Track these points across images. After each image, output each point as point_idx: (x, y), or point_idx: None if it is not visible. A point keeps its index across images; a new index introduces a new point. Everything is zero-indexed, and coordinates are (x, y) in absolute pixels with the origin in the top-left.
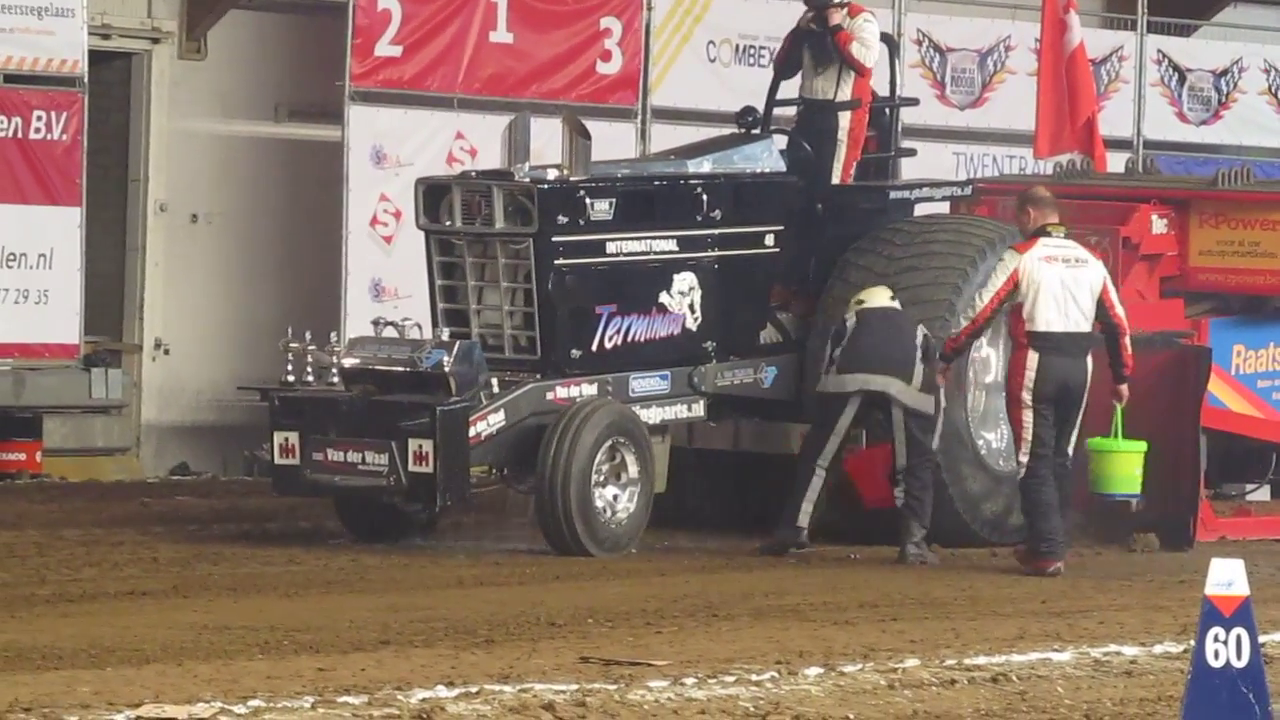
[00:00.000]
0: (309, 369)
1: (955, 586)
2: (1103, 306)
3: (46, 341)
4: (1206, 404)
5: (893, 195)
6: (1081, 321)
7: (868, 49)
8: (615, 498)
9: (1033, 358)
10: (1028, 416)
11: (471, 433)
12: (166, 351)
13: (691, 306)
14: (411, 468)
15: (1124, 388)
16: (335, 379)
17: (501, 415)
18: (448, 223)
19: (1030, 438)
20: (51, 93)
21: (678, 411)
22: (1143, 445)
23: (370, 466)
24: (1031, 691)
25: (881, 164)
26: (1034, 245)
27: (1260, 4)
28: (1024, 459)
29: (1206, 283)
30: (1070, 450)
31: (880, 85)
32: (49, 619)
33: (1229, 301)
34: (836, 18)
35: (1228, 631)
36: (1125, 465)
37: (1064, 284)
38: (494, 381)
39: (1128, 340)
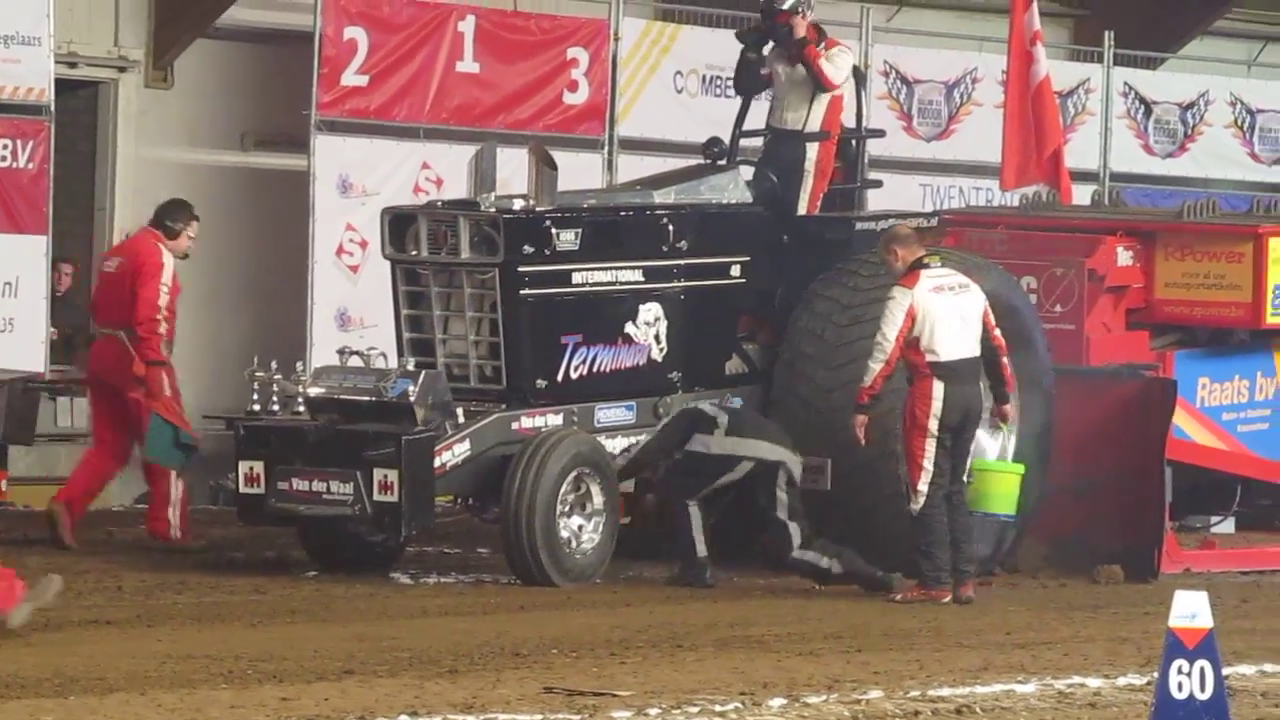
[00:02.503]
0: (275, 398)
1: (920, 618)
2: (984, 329)
3: (12, 369)
4: (1171, 436)
5: (859, 226)
6: (975, 347)
7: (838, 69)
8: (580, 528)
9: (938, 387)
10: (930, 445)
11: (437, 462)
12: None
13: (657, 337)
14: (377, 497)
15: (1008, 407)
16: (301, 408)
17: (467, 445)
18: (413, 252)
19: (931, 467)
20: (18, 121)
21: (643, 442)
22: (1020, 467)
23: (335, 496)
24: None
25: (848, 195)
26: (919, 278)
27: (1227, 37)
28: (922, 488)
29: (1172, 315)
30: (964, 476)
31: (847, 117)
32: (12, 648)
33: (1194, 334)
34: (801, 29)
35: (1191, 664)
36: (1002, 485)
37: (955, 311)
38: (459, 411)
39: (1007, 360)
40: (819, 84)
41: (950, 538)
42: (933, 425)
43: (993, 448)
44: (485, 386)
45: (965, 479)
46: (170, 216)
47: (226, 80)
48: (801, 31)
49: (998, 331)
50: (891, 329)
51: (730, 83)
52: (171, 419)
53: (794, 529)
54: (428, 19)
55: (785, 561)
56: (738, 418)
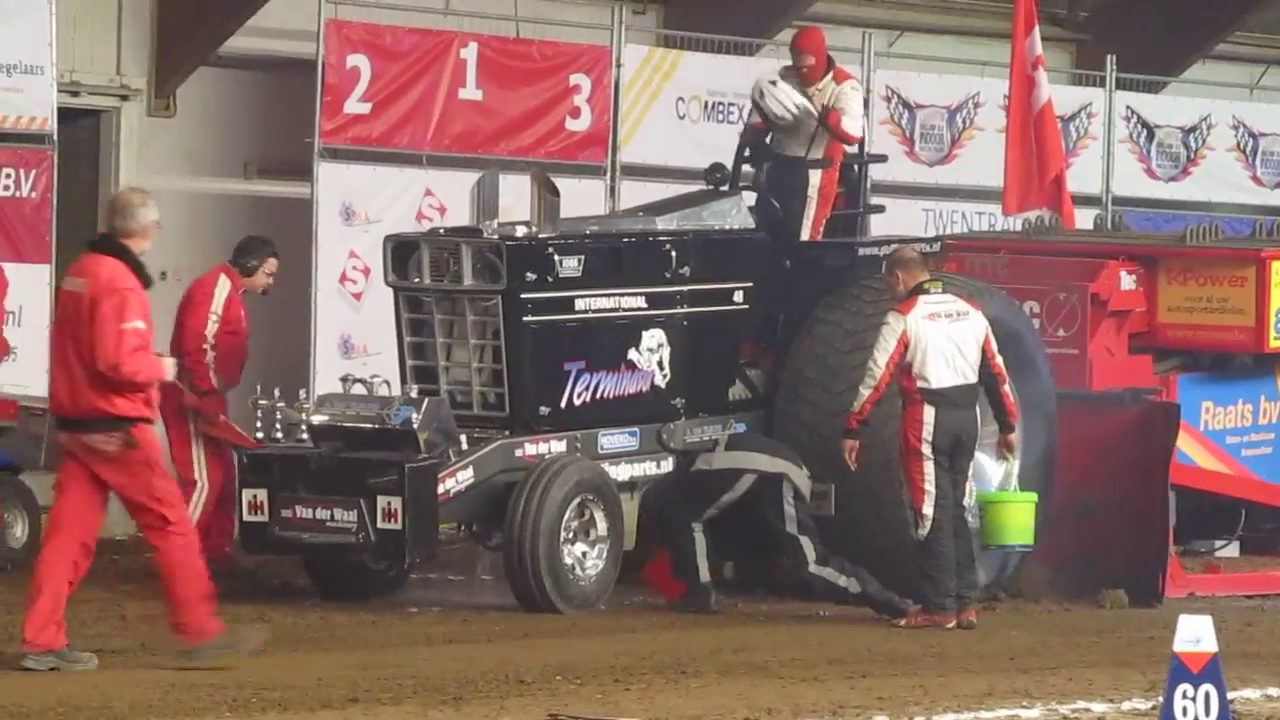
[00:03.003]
0: (278, 426)
1: (923, 643)
2: (984, 356)
3: (16, 397)
4: (1175, 460)
5: (861, 252)
6: (969, 373)
7: (854, 120)
8: (584, 554)
9: (929, 411)
10: (928, 467)
11: (440, 490)
12: None
13: (660, 363)
14: (380, 525)
15: (1012, 437)
16: (304, 436)
17: (470, 472)
18: (416, 280)
19: (933, 489)
20: (21, 150)
21: (647, 468)
22: (1033, 496)
23: (339, 523)
24: None
25: (850, 220)
26: (915, 304)
27: (1229, 61)
28: (927, 511)
29: (1175, 339)
30: (965, 501)
31: None
32: (16, 677)
33: (1198, 358)
34: (821, 97)
35: (1196, 688)
36: (1018, 516)
37: (950, 339)
38: (463, 438)
39: (1008, 388)
40: (844, 142)
41: (957, 561)
42: (925, 449)
43: (996, 474)
44: (488, 413)
45: (967, 505)
46: (245, 254)
47: (229, 108)
48: (822, 99)
49: (999, 359)
50: (882, 355)
51: (733, 108)
52: (236, 439)
53: (807, 543)
54: (430, 46)
55: (802, 576)
56: (737, 435)
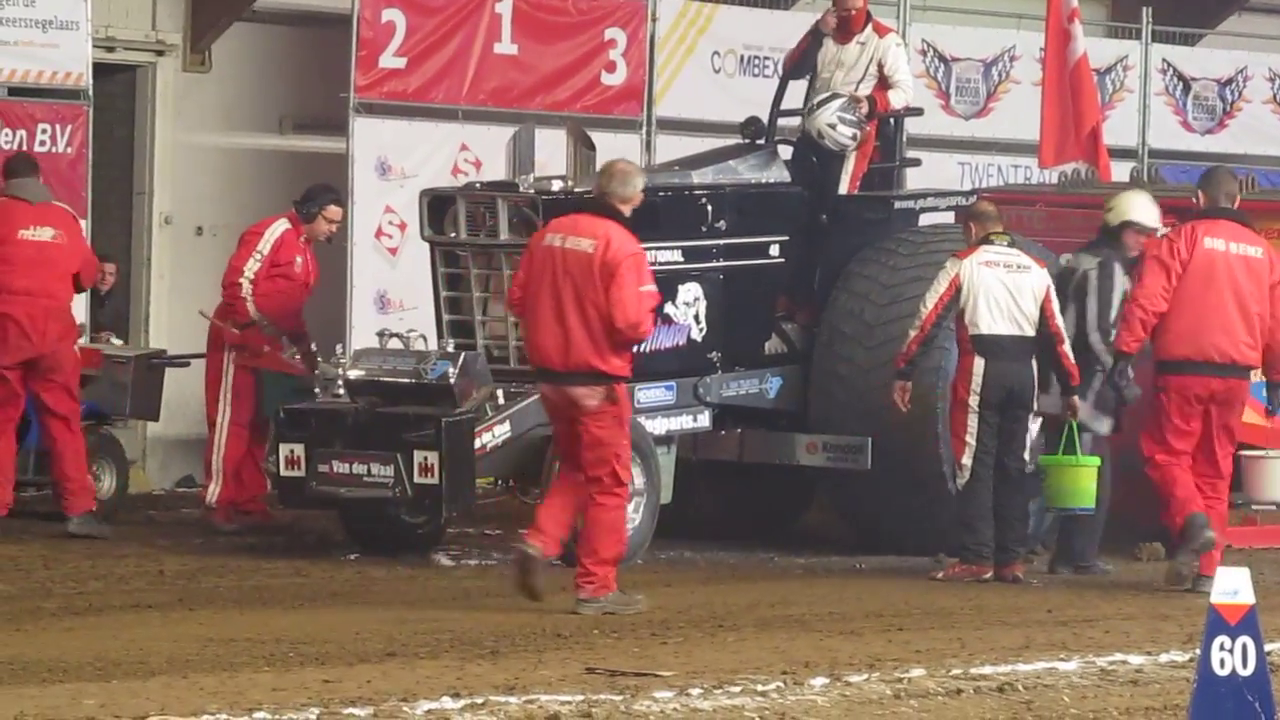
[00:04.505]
0: (315, 381)
1: (961, 596)
2: (1042, 314)
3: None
4: None
5: (897, 205)
6: (1025, 325)
7: (904, 88)
8: None
9: (978, 363)
10: (972, 421)
11: (477, 444)
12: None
13: (697, 317)
14: (417, 479)
15: (1074, 399)
16: (341, 391)
17: (507, 426)
18: (452, 234)
19: (974, 442)
20: (56, 105)
21: (683, 422)
22: (1096, 460)
23: (376, 478)
24: (1037, 701)
25: (886, 174)
26: (975, 252)
27: (1265, 13)
28: (965, 461)
29: None
30: (1027, 456)
31: None
32: (54, 632)
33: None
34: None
35: (1233, 640)
36: (1080, 480)
37: (1005, 286)
38: (499, 393)
39: (1068, 349)
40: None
41: (1003, 516)
42: (973, 401)
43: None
44: (524, 368)
45: (1029, 465)
46: (306, 200)
47: (264, 64)
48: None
49: (1059, 319)
50: (932, 297)
51: (768, 61)
52: (283, 368)
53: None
54: (465, 1)
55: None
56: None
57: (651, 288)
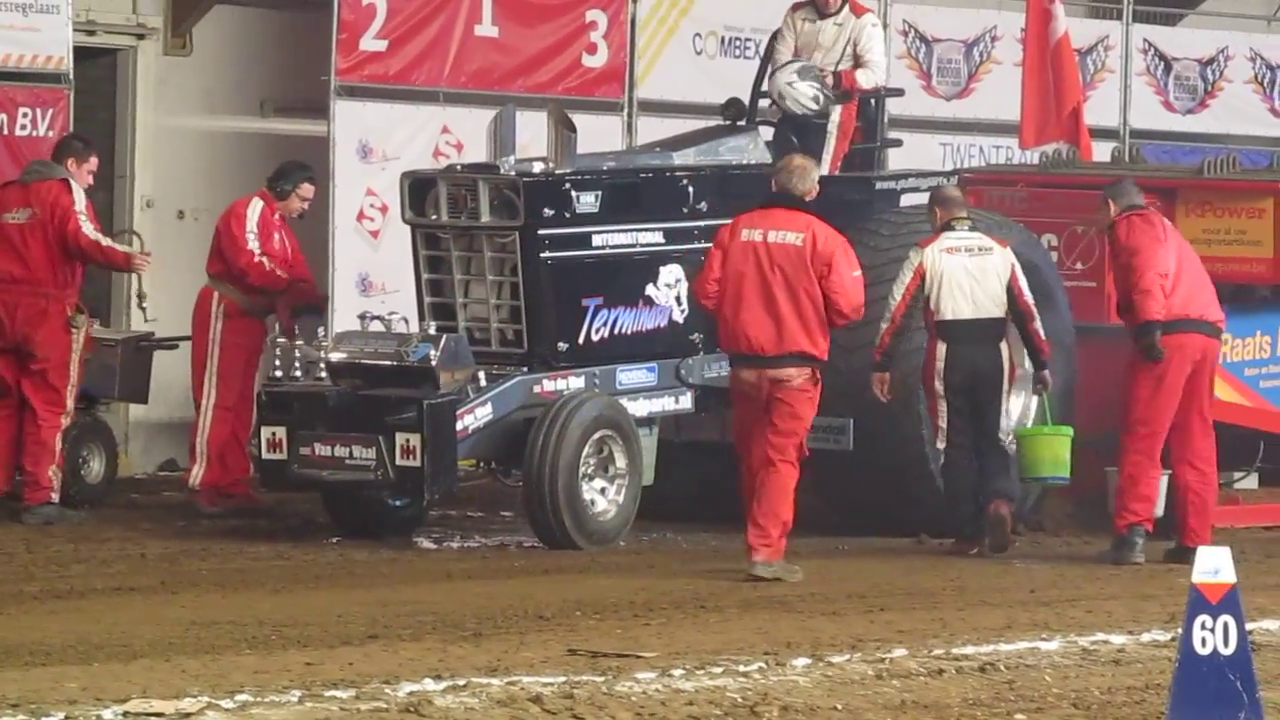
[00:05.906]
0: (296, 364)
1: (943, 576)
2: (1010, 293)
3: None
4: None
5: (879, 186)
6: (990, 308)
7: (875, 69)
8: (603, 490)
9: (941, 348)
10: (941, 406)
11: (459, 426)
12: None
13: (678, 299)
14: (399, 462)
15: (1045, 373)
16: (323, 374)
17: (489, 409)
18: (434, 216)
19: (945, 426)
20: (37, 89)
21: (665, 404)
22: (1069, 430)
23: (358, 461)
24: (1019, 681)
25: (868, 155)
26: (936, 239)
27: None
28: (941, 446)
29: None
30: (1003, 434)
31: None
32: (37, 615)
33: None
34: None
35: (1215, 619)
36: (1054, 449)
37: (968, 272)
38: (481, 375)
39: (1038, 326)
40: (867, 96)
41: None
42: (938, 386)
43: (1015, 408)
44: (507, 350)
45: (1004, 439)
46: (279, 177)
47: (245, 47)
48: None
49: (1027, 296)
50: (899, 288)
51: (749, 43)
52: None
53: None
54: None
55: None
56: None
57: (859, 273)
